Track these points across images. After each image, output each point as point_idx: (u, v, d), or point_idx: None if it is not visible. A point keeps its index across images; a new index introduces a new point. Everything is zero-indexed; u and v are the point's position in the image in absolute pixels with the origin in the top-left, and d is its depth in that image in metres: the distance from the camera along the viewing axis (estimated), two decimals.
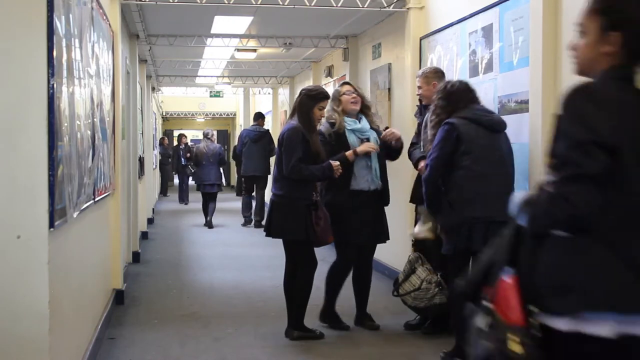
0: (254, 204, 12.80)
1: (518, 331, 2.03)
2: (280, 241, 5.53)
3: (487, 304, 2.16)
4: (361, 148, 5.51)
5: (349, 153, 5.49)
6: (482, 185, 4.66)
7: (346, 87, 5.75)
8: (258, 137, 12.49)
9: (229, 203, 16.95)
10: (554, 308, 2.05)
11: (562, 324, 2.04)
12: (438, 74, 5.56)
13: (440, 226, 4.97)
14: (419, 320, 5.61)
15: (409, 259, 5.58)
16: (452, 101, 4.84)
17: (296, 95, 5.70)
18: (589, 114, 2.03)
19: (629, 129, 2.05)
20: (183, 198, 18.61)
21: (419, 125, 5.65)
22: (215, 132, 13.91)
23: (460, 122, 4.72)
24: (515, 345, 2.02)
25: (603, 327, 2.01)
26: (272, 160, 9.68)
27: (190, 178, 17.23)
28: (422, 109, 5.65)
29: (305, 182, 5.30)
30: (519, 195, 2.25)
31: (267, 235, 5.48)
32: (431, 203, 4.93)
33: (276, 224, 5.34)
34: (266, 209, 7.27)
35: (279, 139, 5.43)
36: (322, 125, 5.63)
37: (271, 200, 5.41)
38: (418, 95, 5.69)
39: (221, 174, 13.48)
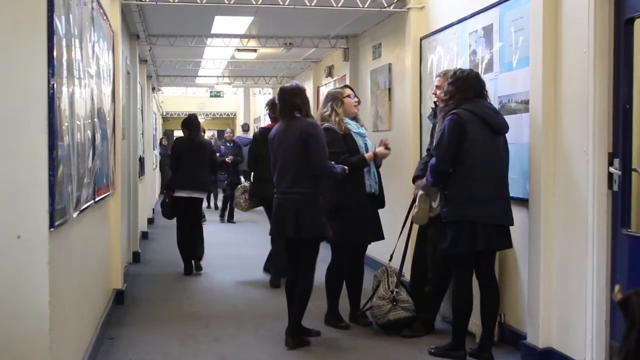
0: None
1: None
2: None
3: None
4: (381, 153, 5.61)
5: (368, 155, 5.54)
6: (480, 187, 4.68)
7: (349, 90, 5.80)
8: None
9: None
10: None
11: None
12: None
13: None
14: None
15: (375, 274, 5.68)
16: (462, 88, 4.75)
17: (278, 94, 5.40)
18: None
19: None
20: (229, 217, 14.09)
21: (434, 128, 5.48)
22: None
23: (467, 115, 4.68)
24: None
25: None
26: None
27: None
28: (437, 112, 5.43)
29: (323, 180, 5.20)
30: None
31: (296, 235, 5.11)
32: (437, 184, 4.95)
33: (306, 222, 5.07)
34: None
35: (300, 136, 5.05)
36: (329, 122, 5.61)
37: (294, 199, 5.08)
38: (435, 95, 5.42)
39: None
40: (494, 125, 4.70)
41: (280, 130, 5.25)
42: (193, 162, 8.06)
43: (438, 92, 5.33)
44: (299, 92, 5.26)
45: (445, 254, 4.96)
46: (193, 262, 8.30)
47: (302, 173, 5.08)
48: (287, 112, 5.22)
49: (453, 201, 4.74)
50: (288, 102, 5.23)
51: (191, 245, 8.24)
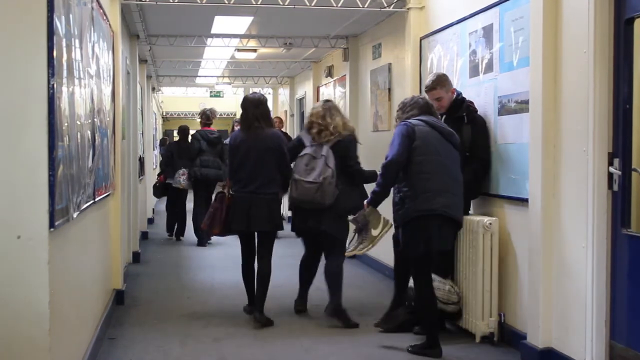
0: None
1: None
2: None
3: None
4: None
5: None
6: (432, 181, 4.89)
7: None
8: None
9: None
10: None
11: None
12: (448, 78, 5.63)
13: (394, 222, 5.22)
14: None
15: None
16: (407, 111, 5.16)
17: (244, 102, 6.13)
18: None
19: None
20: None
21: None
22: None
23: (415, 121, 5.03)
24: None
25: None
26: None
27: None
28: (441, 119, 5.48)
29: (284, 184, 6.02)
30: None
31: (269, 229, 5.92)
32: (383, 193, 5.18)
33: (276, 217, 5.92)
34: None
35: (272, 146, 5.86)
36: (348, 131, 6.00)
37: (266, 199, 5.84)
38: (439, 108, 5.43)
39: None
40: (443, 131, 5.03)
41: (246, 138, 5.93)
42: (181, 161, 10.73)
43: (446, 103, 5.50)
44: (260, 103, 6.01)
45: (404, 256, 5.21)
46: (175, 231, 11.28)
47: (271, 177, 5.87)
48: (250, 122, 5.93)
49: (407, 199, 4.95)
50: (250, 113, 5.96)
51: (174, 216, 11.38)
